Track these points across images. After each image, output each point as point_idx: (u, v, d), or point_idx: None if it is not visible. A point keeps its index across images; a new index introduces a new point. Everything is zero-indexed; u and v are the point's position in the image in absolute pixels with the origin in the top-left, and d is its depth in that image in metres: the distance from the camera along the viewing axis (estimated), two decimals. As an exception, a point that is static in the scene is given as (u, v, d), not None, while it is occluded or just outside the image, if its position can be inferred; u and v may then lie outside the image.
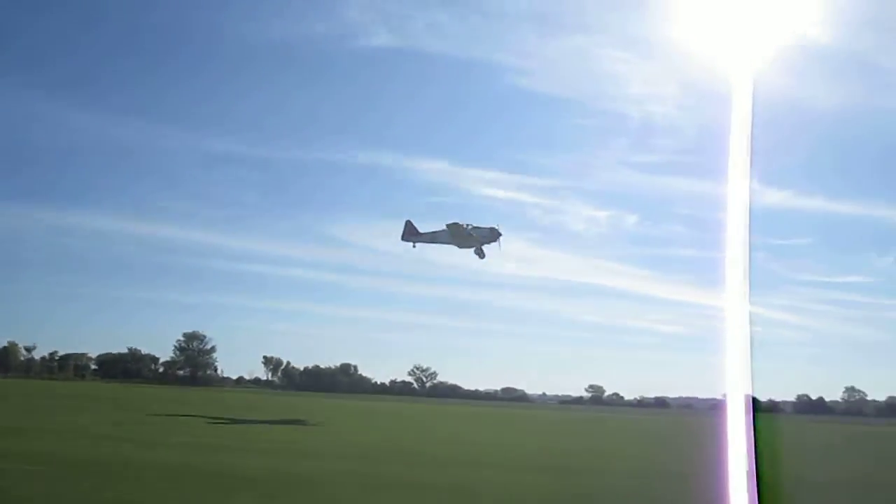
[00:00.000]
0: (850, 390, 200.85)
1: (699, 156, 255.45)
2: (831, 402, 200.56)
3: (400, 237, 63.99)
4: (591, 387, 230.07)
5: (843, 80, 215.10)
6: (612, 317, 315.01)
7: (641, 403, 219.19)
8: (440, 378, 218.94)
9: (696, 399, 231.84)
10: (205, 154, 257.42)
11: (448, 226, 60.11)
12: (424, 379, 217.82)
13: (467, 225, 60.88)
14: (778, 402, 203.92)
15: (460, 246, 62.98)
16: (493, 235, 61.82)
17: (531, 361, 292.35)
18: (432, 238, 62.65)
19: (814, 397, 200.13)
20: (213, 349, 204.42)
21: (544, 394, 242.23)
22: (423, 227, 62.84)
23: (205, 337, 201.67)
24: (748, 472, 12.78)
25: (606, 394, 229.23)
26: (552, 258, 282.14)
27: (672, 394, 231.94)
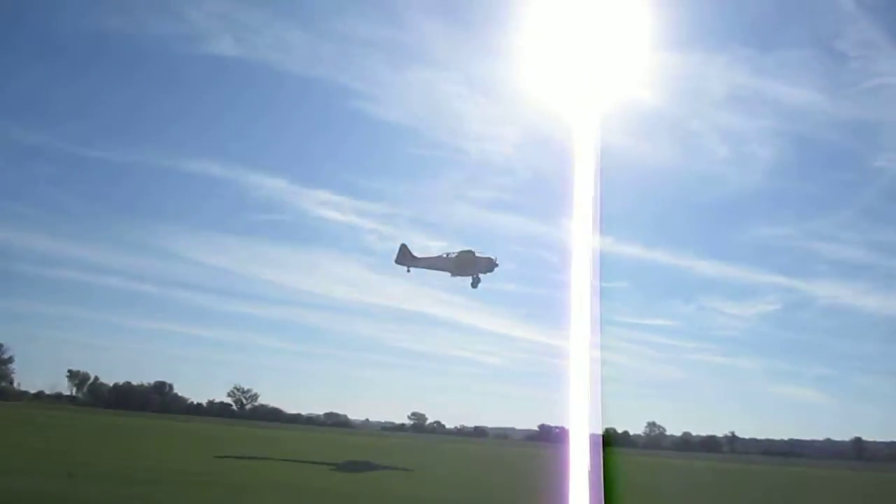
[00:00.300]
0: (651, 425, 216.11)
1: (531, 196, 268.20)
2: (634, 435, 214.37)
3: (394, 260, 61.95)
4: (413, 414, 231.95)
5: (663, 141, 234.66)
6: (438, 346, 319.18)
7: (461, 432, 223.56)
8: (262, 400, 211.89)
9: (513, 429, 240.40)
10: (15, 145, 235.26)
11: (460, 253, 59.91)
12: (245, 400, 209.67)
13: (448, 255, 60.74)
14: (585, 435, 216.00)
15: (455, 274, 61.53)
16: (490, 265, 61.38)
17: (356, 386, 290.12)
18: (429, 264, 61.58)
19: (619, 430, 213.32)
20: (10, 359, 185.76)
21: (368, 420, 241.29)
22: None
23: (1, 345, 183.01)
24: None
25: (428, 421, 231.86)
26: (384, 284, 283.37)
27: (490, 423, 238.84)
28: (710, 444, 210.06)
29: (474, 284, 61.98)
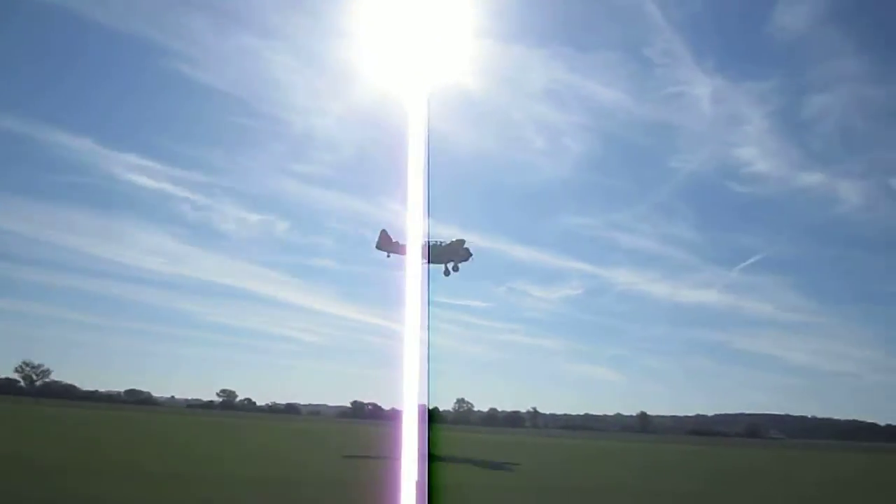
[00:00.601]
0: (460, 402, 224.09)
1: (354, 174, 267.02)
2: (444, 411, 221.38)
3: (374, 245, 60.95)
4: (222, 391, 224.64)
5: (484, 128, 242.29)
6: (252, 321, 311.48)
7: (273, 409, 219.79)
8: (55, 376, 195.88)
9: (325, 406, 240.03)
10: None
11: (454, 242, 60.97)
12: (35, 377, 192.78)
13: (440, 242, 60.64)
14: (399, 411, 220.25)
15: (436, 261, 60.86)
16: (467, 255, 62.04)
17: (162, 362, 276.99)
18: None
19: (430, 407, 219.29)
20: None
21: (173, 397, 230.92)
22: None
23: None
24: (419, 478, 13.32)
25: (238, 399, 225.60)
26: (197, 256, 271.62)
27: (303, 401, 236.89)
28: (514, 419, 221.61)
29: (447, 273, 62.42)
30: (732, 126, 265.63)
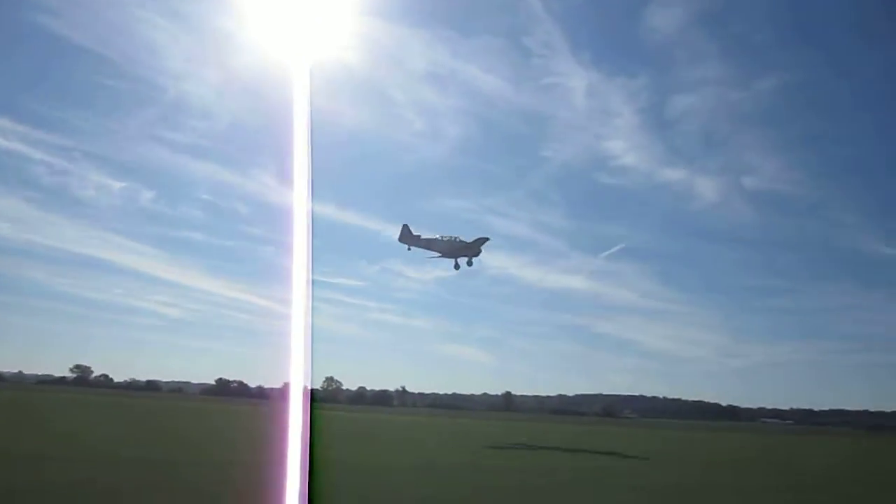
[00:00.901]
0: (329, 380, 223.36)
1: (228, 144, 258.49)
2: (314, 389, 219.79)
3: (397, 238, 63.73)
4: (76, 367, 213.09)
5: (365, 106, 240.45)
6: (111, 294, 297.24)
7: (131, 386, 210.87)
8: None
9: (188, 384, 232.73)
10: None
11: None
12: None
13: (457, 238, 64.39)
14: (267, 389, 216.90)
15: (446, 256, 64.95)
16: (477, 251, 64.92)
17: (9, 335, 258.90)
18: (427, 244, 64.13)
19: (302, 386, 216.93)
20: None
21: (21, 372, 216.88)
22: None
23: None
24: (302, 459, 13.62)
25: (94, 375, 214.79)
26: (51, 222, 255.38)
27: (165, 377, 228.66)
28: (383, 398, 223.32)
29: (457, 267, 65.90)
30: (603, 119, 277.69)
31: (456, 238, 64.80)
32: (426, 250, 65.09)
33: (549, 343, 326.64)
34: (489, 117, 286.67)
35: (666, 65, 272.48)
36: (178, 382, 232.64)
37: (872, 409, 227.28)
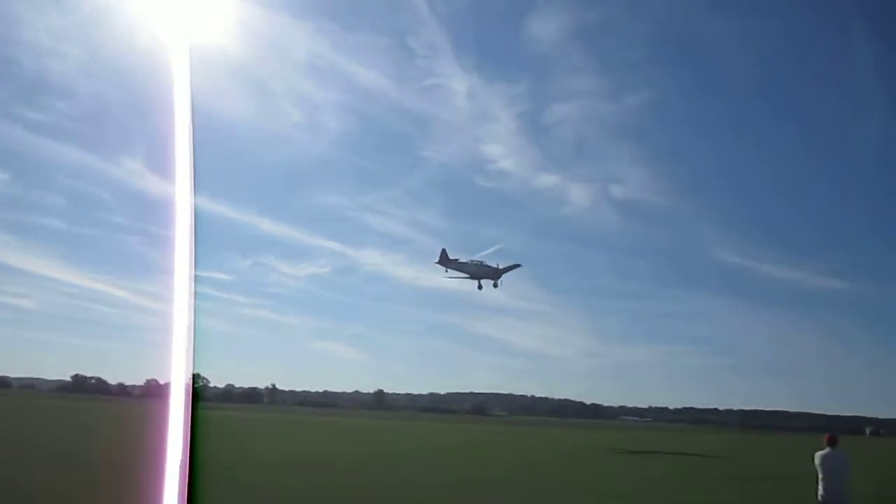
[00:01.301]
0: (195, 377, 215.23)
1: (91, 127, 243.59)
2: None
3: (437, 261, 68.98)
4: None
5: (241, 95, 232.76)
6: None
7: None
8: None
9: (42, 380, 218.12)
10: None
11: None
12: None
13: (482, 262, 69.88)
14: (129, 386, 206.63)
15: (475, 277, 70.24)
16: (500, 274, 69.83)
17: None
18: (459, 267, 69.19)
19: (161, 382, 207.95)
20: None
21: None
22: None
23: None
24: (182, 458, 12.84)
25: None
26: None
27: (14, 374, 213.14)
28: (252, 396, 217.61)
29: (480, 287, 71.23)
30: (483, 123, 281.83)
31: (482, 262, 70.38)
32: (458, 272, 70.60)
33: (422, 341, 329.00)
34: (370, 114, 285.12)
35: (544, 74, 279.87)
36: (30, 379, 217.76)
37: (720, 408, 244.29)
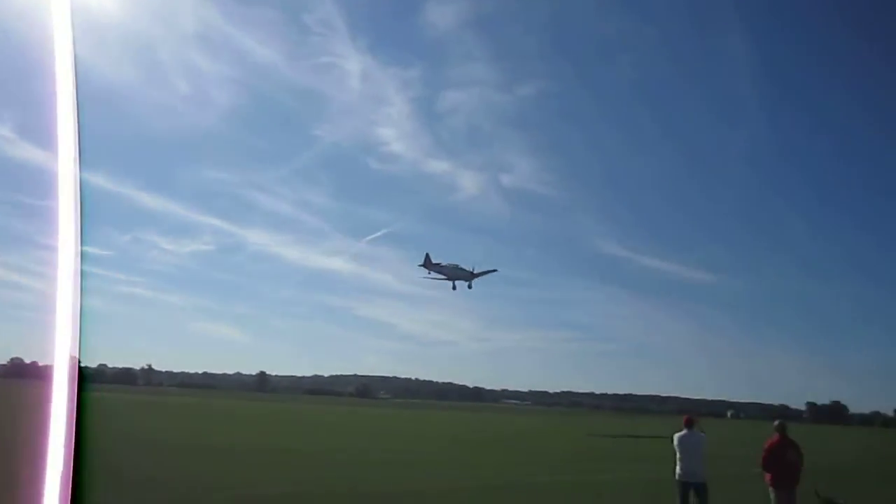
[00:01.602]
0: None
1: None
2: (44, 366, 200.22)
3: (421, 264, 75.07)
4: None
5: (127, 63, 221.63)
6: None
7: None
8: None
9: None
10: None
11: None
12: None
13: (472, 268, 77.35)
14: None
15: (452, 278, 76.21)
16: (474, 277, 76.60)
17: None
18: (439, 269, 75.13)
19: (28, 361, 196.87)
20: None
21: None
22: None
23: None
24: (66, 441, 12.59)
25: None
26: None
27: None
28: (126, 377, 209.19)
29: (454, 287, 77.40)
30: (376, 106, 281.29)
31: (458, 266, 76.10)
32: (438, 273, 75.78)
33: (307, 323, 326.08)
34: (260, 90, 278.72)
35: (439, 60, 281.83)
36: None
37: (597, 392, 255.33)
